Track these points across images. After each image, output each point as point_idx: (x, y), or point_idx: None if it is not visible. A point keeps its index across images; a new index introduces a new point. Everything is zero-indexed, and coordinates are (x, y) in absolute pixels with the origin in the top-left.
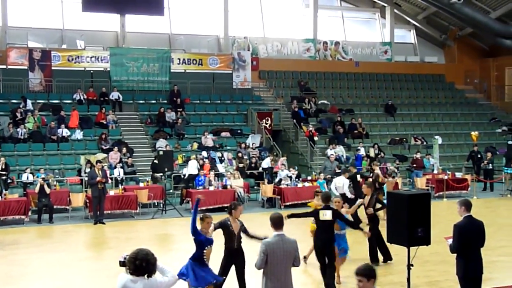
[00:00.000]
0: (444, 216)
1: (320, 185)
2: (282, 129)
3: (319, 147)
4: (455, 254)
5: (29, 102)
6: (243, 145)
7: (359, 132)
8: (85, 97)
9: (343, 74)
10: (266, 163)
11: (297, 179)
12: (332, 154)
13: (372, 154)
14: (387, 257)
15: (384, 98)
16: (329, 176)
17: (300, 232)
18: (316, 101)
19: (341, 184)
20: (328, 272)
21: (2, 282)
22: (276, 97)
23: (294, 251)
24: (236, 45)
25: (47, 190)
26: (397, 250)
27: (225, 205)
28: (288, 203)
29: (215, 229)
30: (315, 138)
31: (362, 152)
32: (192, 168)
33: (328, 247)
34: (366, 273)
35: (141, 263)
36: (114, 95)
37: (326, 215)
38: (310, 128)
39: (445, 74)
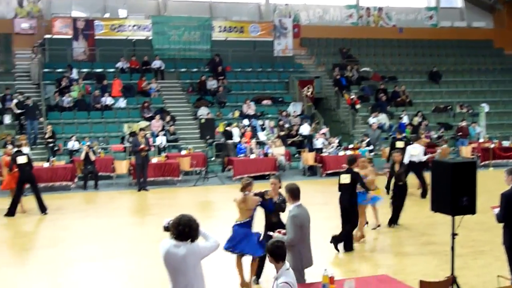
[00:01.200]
0: (491, 185)
1: (362, 153)
2: (324, 97)
3: (361, 115)
4: (502, 224)
5: (74, 71)
6: (284, 113)
7: (403, 100)
8: (128, 65)
9: (386, 41)
10: (305, 130)
11: (338, 148)
12: (374, 122)
13: (415, 122)
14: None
15: (429, 65)
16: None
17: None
18: (359, 69)
19: (416, 152)
20: (346, 227)
21: (48, 245)
22: (318, 64)
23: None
24: (277, 12)
25: (92, 157)
26: (441, 219)
27: (266, 173)
28: (329, 171)
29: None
30: (357, 106)
31: (405, 120)
32: (234, 135)
33: (349, 208)
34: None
35: (184, 229)
36: (156, 63)
37: (345, 178)
38: (352, 96)
39: (493, 39)
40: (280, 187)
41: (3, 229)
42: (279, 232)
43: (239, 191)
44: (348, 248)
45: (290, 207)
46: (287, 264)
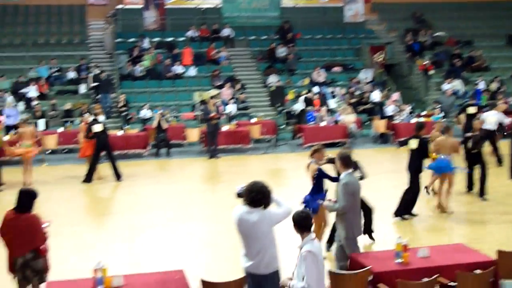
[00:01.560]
0: None
1: (435, 121)
2: (396, 63)
3: (434, 81)
4: None
5: (145, 40)
6: (354, 80)
7: (478, 65)
8: (198, 34)
9: (461, 4)
10: (376, 97)
11: (410, 115)
12: (448, 89)
13: (493, 88)
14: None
15: (507, 28)
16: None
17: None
18: (432, 33)
19: (493, 119)
20: (406, 195)
21: (124, 210)
22: (389, 30)
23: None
24: None
25: (164, 126)
26: None
27: (337, 140)
28: (401, 139)
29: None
30: (430, 72)
31: (481, 86)
32: (303, 103)
33: (412, 174)
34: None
35: (256, 195)
36: (226, 31)
37: (412, 144)
38: (425, 62)
39: None
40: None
41: (81, 195)
42: (329, 200)
43: (309, 158)
44: (402, 213)
45: (341, 175)
46: (312, 234)
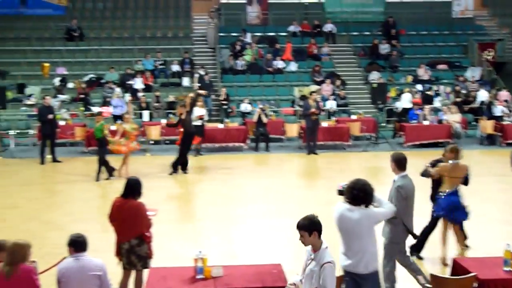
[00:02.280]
0: None
1: None
2: (507, 61)
3: None
4: None
5: (248, 35)
6: (461, 78)
7: None
8: (300, 29)
9: None
10: (483, 96)
11: None
12: None
13: None
14: None
15: None
16: None
17: None
18: None
19: None
20: None
21: (221, 202)
22: (501, 26)
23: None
24: None
25: (264, 120)
26: None
27: (440, 140)
28: (510, 141)
29: None
30: None
31: None
32: (405, 101)
33: None
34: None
35: (358, 193)
36: (328, 27)
37: None
38: None
39: None
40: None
41: (181, 186)
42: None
43: (447, 158)
44: None
45: (395, 177)
46: (324, 242)
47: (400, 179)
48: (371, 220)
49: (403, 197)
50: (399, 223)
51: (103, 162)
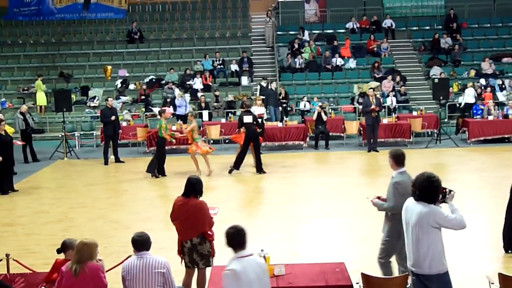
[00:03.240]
0: None
1: None
2: None
3: None
4: None
5: (305, 33)
6: None
7: None
8: (358, 25)
9: None
10: None
11: None
12: None
13: None
14: None
15: None
16: None
17: None
18: None
19: None
20: None
21: (283, 200)
22: None
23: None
24: None
25: (324, 118)
26: None
27: (506, 136)
28: None
29: None
30: None
31: None
32: (469, 96)
33: None
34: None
35: (418, 188)
36: (387, 22)
37: None
38: None
39: None
40: None
41: (242, 184)
42: (379, 198)
43: None
44: None
45: (393, 173)
46: (245, 251)
47: (397, 175)
48: (431, 218)
49: (400, 193)
50: (398, 220)
51: (160, 159)
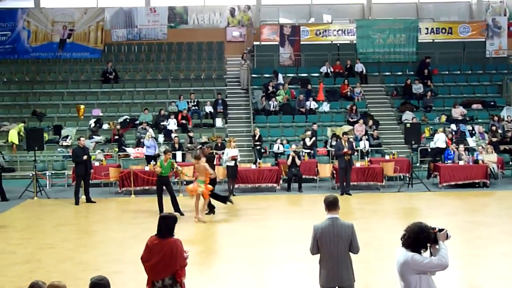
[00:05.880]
0: None
1: None
2: None
3: None
4: None
5: (280, 76)
6: (496, 118)
7: None
8: (332, 70)
9: None
10: None
11: None
12: None
13: None
14: None
15: None
16: None
17: None
18: None
19: None
20: None
21: (254, 244)
22: None
23: (348, 236)
24: (491, 11)
25: (297, 162)
26: None
27: (476, 181)
28: None
29: None
30: None
31: None
32: (440, 141)
33: None
34: None
35: (405, 235)
36: (359, 67)
37: None
38: None
39: None
40: None
41: (208, 227)
42: None
43: None
44: None
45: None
46: None
47: (323, 220)
48: (410, 267)
49: (312, 237)
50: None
51: (173, 197)
